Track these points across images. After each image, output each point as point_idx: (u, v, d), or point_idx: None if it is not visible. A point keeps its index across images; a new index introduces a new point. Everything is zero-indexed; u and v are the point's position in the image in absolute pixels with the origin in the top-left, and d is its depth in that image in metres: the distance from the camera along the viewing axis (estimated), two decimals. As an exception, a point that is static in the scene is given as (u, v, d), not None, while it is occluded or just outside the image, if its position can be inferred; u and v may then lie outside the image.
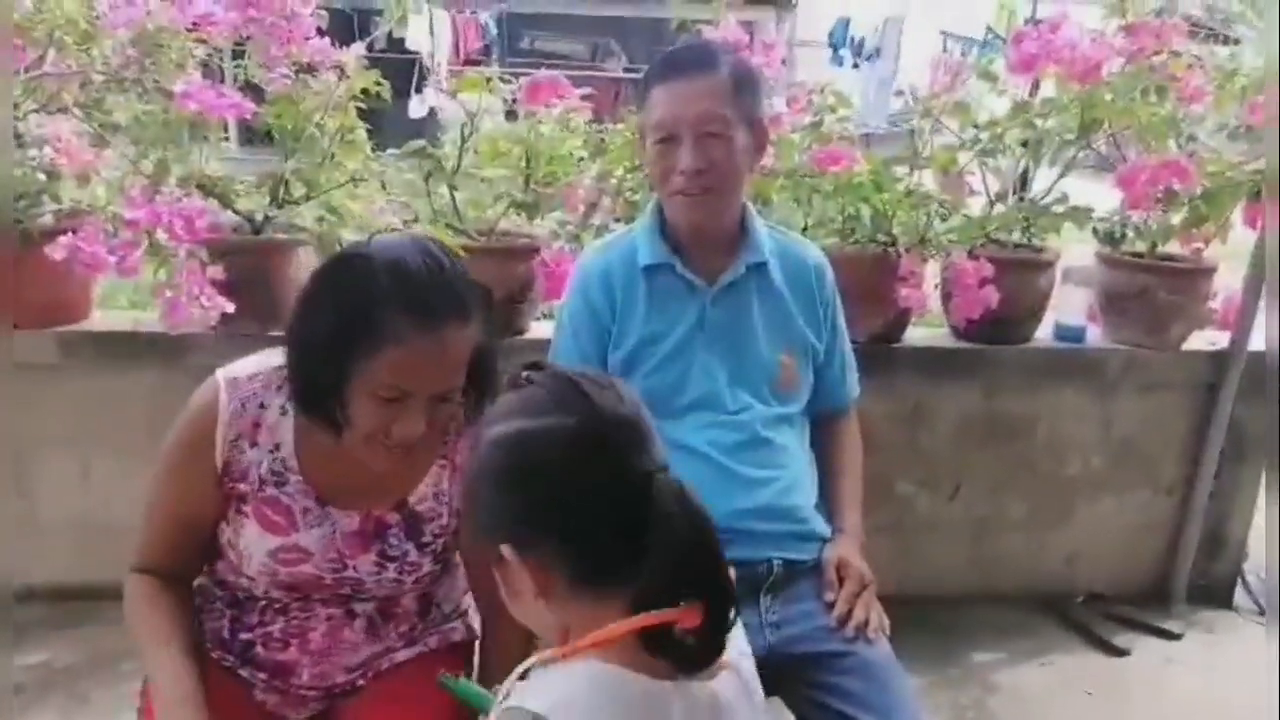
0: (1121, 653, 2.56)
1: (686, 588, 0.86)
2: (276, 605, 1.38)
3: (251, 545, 1.32)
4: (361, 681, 1.41)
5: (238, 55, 2.36)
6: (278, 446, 1.32)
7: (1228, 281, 2.65)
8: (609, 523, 0.88)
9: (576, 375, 0.95)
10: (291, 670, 1.38)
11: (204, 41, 2.28)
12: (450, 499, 1.38)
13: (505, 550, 0.93)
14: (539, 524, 0.91)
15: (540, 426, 0.91)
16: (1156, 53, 2.38)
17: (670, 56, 1.67)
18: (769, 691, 1.61)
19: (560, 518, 0.89)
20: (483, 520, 0.98)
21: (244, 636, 1.39)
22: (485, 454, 0.95)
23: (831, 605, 1.57)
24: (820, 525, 1.68)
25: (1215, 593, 2.81)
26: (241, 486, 1.32)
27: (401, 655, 1.43)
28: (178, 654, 1.29)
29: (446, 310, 1.18)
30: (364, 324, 1.16)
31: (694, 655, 0.88)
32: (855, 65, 10.22)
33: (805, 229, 2.38)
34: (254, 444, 1.31)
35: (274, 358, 1.32)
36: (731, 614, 0.89)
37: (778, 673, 1.53)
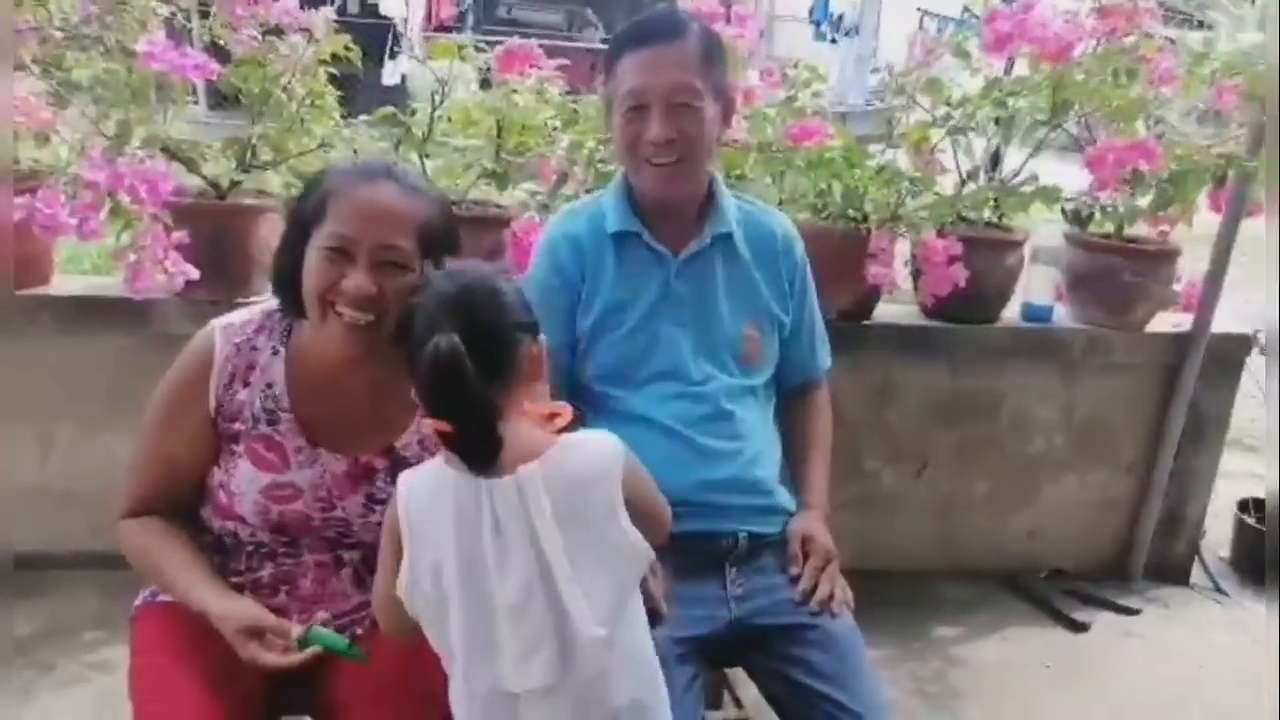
0: (1081, 627, 2.61)
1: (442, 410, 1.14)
2: (264, 550, 1.40)
3: (244, 484, 1.36)
4: (360, 631, 1.41)
5: (204, 14, 2.31)
6: (270, 385, 1.38)
7: (1192, 265, 2.69)
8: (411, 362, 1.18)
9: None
10: (281, 617, 1.37)
11: (168, 0, 2.23)
12: (435, 446, 1.38)
13: None
14: None
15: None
16: (1128, 34, 2.39)
17: (638, 25, 1.65)
18: (732, 662, 1.65)
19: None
20: None
21: (233, 581, 1.39)
22: None
23: (796, 579, 1.58)
24: (785, 499, 1.69)
25: (1173, 570, 2.86)
26: (235, 425, 1.37)
27: None
28: (219, 580, 1.37)
29: (389, 170, 1.35)
30: (318, 191, 1.33)
31: (466, 459, 1.15)
32: (833, 41, 10.19)
33: (780, 204, 2.37)
34: (246, 384, 1.38)
35: (266, 305, 1.41)
36: (481, 434, 1.14)
37: (741, 644, 1.55)
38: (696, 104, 1.55)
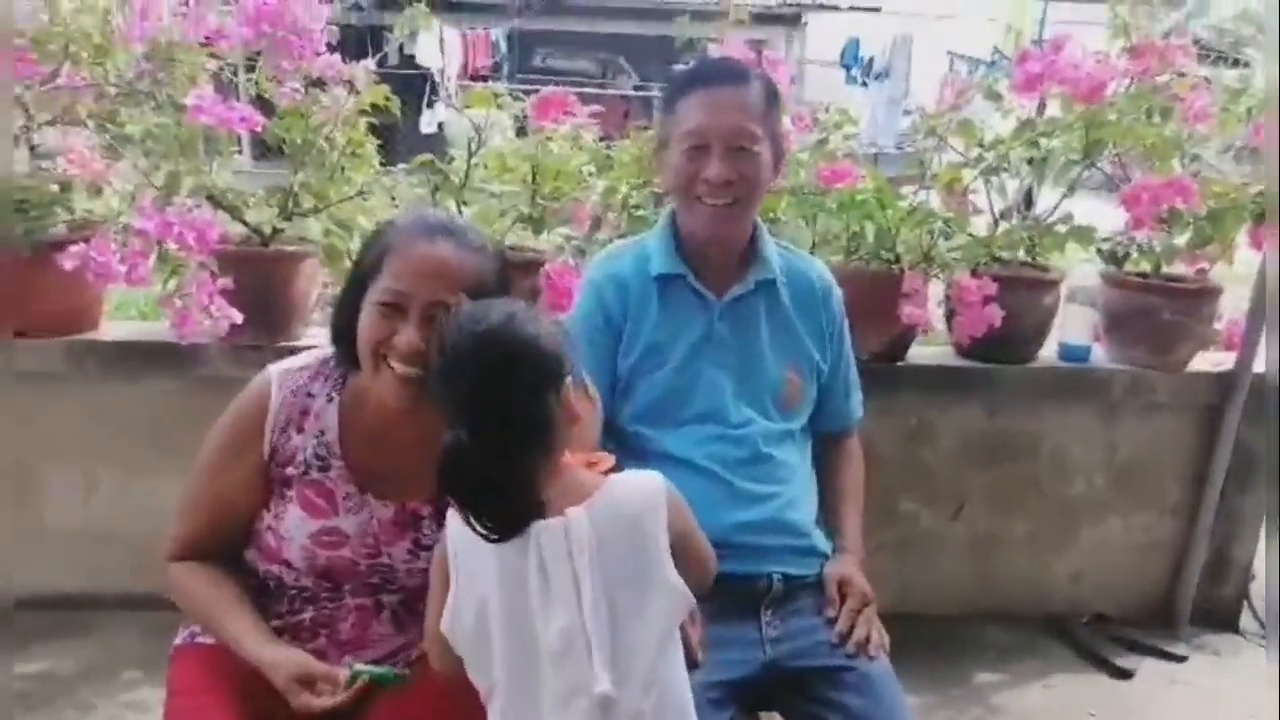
0: (1125, 675, 2.54)
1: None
2: (305, 594, 1.42)
3: (293, 529, 1.38)
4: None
5: (250, 69, 2.39)
6: (323, 432, 1.40)
7: (1234, 303, 2.65)
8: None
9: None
10: (321, 660, 1.38)
11: (217, 56, 2.31)
12: None
13: None
14: None
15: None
16: (1161, 74, 2.39)
17: (702, 67, 1.71)
18: (768, 705, 1.63)
19: None
20: None
21: (273, 624, 1.41)
22: None
23: (832, 621, 1.57)
24: (821, 541, 1.68)
25: (1220, 615, 2.79)
26: (288, 470, 1.40)
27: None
28: (266, 628, 1.37)
29: (447, 226, 1.37)
30: (378, 246, 1.36)
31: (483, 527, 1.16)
32: (864, 85, 10.27)
33: (812, 247, 2.39)
34: (300, 430, 1.41)
35: (322, 352, 1.44)
36: (478, 512, 1.15)
37: (776, 687, 1.54)
38: (755, 148, 1.58)
